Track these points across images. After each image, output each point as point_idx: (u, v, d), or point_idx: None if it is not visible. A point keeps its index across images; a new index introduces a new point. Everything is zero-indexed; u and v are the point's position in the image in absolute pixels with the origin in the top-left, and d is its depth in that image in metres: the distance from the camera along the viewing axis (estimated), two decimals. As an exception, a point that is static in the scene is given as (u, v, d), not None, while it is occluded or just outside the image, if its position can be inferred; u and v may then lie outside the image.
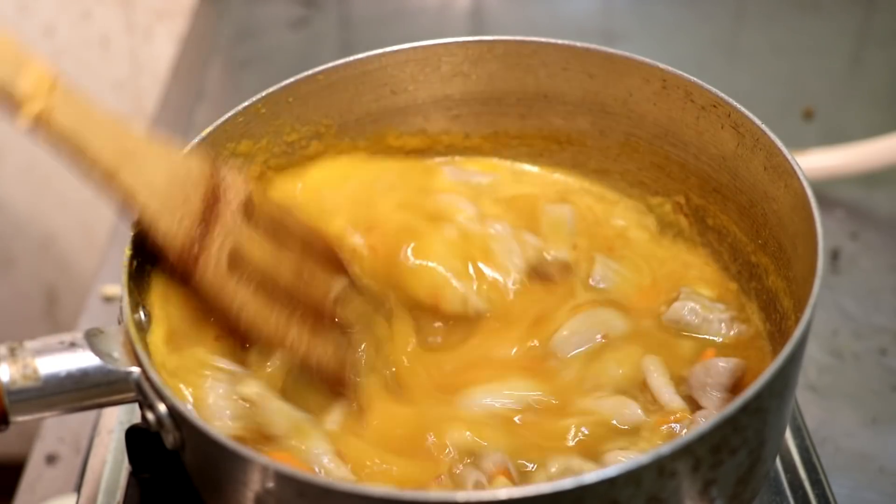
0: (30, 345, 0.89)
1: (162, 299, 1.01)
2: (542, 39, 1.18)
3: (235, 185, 1.05)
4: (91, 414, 1.29)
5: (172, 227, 0.99)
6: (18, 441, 1.66)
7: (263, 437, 0.96)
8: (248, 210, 1.06)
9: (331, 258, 1.10)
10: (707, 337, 1.06)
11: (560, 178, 1.24)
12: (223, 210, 1.03)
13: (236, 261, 1.03)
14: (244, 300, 1.01)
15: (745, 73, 1.93)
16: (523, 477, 0.94)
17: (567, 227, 1.17)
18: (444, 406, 1.02)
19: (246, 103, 1.13)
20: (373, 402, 1.02)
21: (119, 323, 0.94)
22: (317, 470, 0.93)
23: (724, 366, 0.99)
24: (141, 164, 0.98)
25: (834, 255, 1.55)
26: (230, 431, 0.93)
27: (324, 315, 1.06)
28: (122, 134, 0.98)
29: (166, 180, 1.00)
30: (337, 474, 0.93)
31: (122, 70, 2.35)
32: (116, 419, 1.20)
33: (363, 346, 1.06)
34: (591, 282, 1.13)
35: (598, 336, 1.06)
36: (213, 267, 1.01)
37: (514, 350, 1.08)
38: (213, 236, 1.01)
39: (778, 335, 1.05)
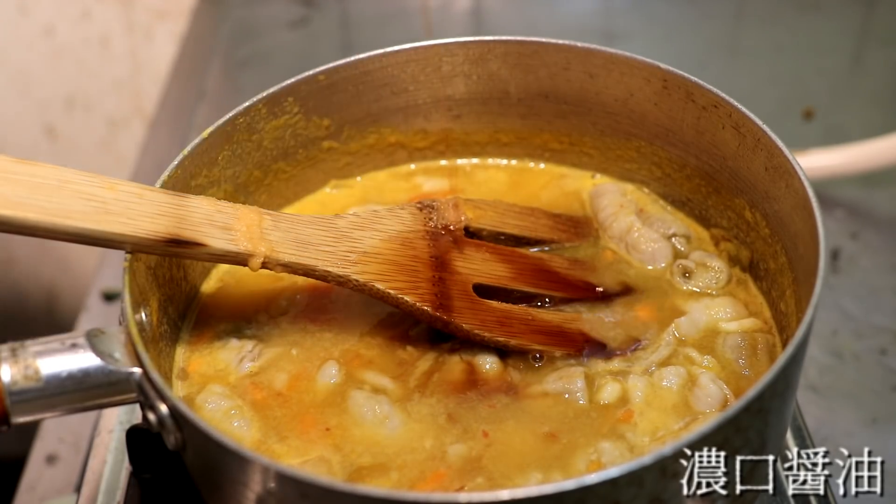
0: (31, 345, 0.89)
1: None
2: (543, 39, 1.18)
3: (449, 216, 1.10)
4: (91, 414, 1.29)
5: (417, 295, 1.03)
6: (18, 441, 1.65)
7: None
8: (471, 231, 1.12)
9: (562, 223, 1.17)
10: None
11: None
12: (451, 245, 1.08)
13: (483, 289, 1.07)
14: (506, 325, 1.05)
15: (746, 73, 1.93)
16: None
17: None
18: None
19: (246, 103, 1.13)
20: None
21: (120, 323, 0.94)
22: None
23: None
24: (366, 255, 1.03)
25: (834, 255, 1.55)
26: None
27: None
28: (335, 237, 1.03)
29: (389, 250, 1.04)
30: None
31: (122, 70, 2.34)
32: (116, 419, 1.20)
33: None
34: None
35: None
36: (466, 308, 1.05)
37: None
38: (454, 278, 1.06)
39: (778, 335, 1.06)
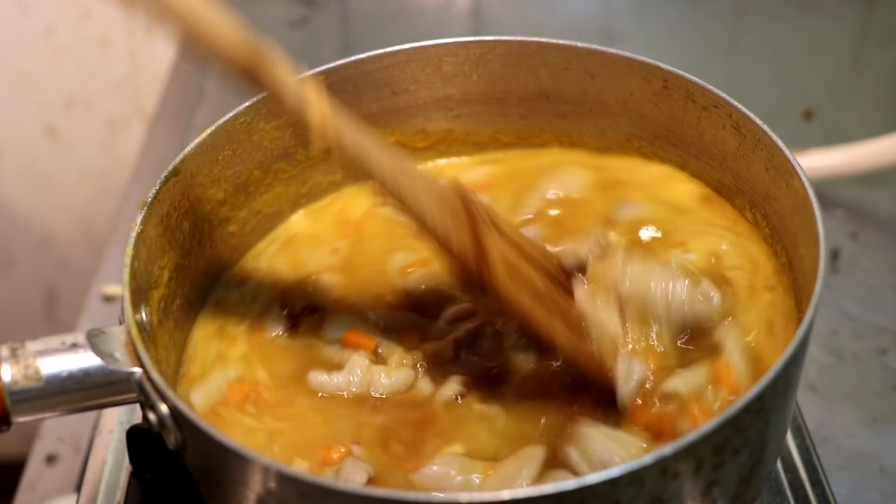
0: (31, 345, 0.89)
1: None
2: (544, 40, 1.18)
3: (482, 206, 1.06)
4: (91, 414, 1.29)
5: (462, 243, 0.99)
6: (18, 441, 1.65)
7: None
8: (496, 226, 1.07)
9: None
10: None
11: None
12: (483, 227, 1.04)
13: (509, 270, 1.03)
14: (532, 303, 1.02)
15: (746, 73, 1.93)
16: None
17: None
18: None
19: (246, 103, 1.13)
20: None
21: (120, 323, 0.94)
22: None
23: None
24: (413, 183, 0.99)
25: (834, 255, 1.55)
26: None
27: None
28: (391, 155, 0.99)
29: (437, 204, 1.00)
30: None
31: (122, 70, 2.35)
32: (117, 419, 1.20)
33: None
34: None
35: None
36: (502, 273, 1.01)
37: None
38: (489, 250, 1.02)
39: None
